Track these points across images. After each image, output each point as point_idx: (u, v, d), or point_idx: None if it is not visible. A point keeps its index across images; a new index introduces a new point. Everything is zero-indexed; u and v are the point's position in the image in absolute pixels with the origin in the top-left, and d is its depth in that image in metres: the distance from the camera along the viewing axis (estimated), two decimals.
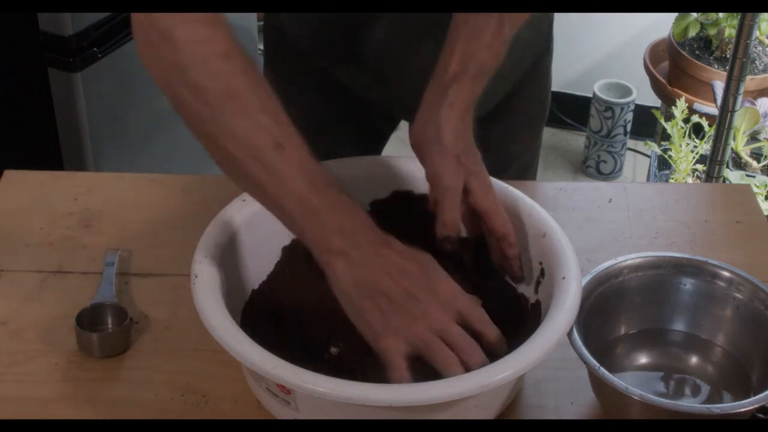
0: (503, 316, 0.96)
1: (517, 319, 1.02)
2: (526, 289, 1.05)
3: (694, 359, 1.06)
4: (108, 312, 1.08)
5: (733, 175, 2.24)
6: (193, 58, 0.92)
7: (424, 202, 1.06)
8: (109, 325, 1.08)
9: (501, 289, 1.06)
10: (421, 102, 1.03)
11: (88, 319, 1.07)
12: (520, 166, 1.38)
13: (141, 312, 1.11)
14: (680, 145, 2.35)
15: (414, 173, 1.10)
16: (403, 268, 0.91)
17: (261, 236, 1.07)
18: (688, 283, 1.06)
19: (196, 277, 0.99)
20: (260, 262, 1.08)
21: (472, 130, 1.02)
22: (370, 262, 0.90)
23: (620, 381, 0.93)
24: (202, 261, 1.00)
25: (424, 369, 0.91)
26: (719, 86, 2.17)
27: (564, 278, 0.97)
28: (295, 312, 1.05)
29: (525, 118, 1.37)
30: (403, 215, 1.09)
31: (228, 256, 1.03)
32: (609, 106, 2.85)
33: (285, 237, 1.08)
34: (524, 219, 1.05)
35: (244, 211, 1.06)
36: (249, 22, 2.42)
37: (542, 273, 1.02)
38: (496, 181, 1.08)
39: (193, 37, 0.92)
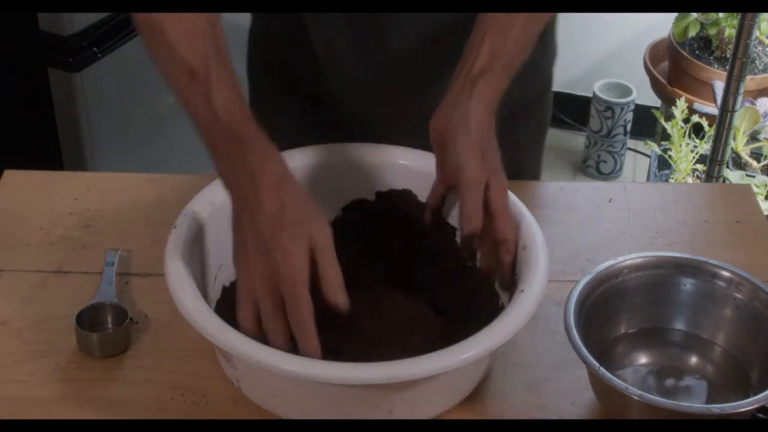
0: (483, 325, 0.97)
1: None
2: (506, 301, 1.05)
3: (694, 359, 1.06)
4: (108, 312, 1.08)
5: (733, 175, 2.24)
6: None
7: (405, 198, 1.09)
8: (109, 325, 1.08)
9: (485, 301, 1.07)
10: (446, 94, 1.01)
11: (88, 319, 1.07)
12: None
13: (141, 312, 1.11)
14: (680, 145, 2.35)
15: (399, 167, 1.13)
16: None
17: None
18: (688, 283, 1.06)
19: (175, 227, 1.01)
20: None
21: (494, 128, 1.00)
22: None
23: (620, 381, 0.93)
24: (187, 213, 1.04)
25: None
26: (719, 86, 2.17)
27: (522, 291, 0.97)
28: None
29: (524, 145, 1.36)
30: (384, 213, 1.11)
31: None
32: (609, 106, 2.85)
33: None
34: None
35: None
36: (247, 22, 2.41)
37: (516, 285, 1.01)
38: None
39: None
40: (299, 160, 1.12)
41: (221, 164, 0.95)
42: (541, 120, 1.37)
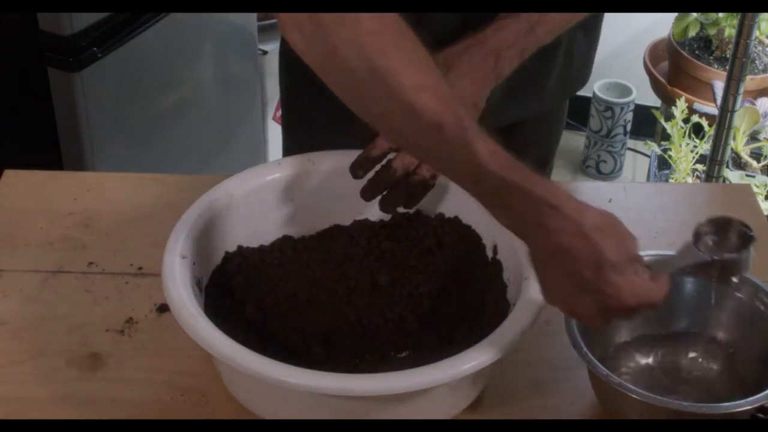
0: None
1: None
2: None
3: (693, 359, 1.06)
4: None
5: (733, 175, 2.24)
6: (343, 38, 0.87)
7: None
8: None
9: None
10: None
11: None
12: None
13: (141, 312, 1.11)
14: (680, 145, 2.36)
15: None
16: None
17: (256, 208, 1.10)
18: (688, 283, 1.06)
19: (175, 230, 1.02)
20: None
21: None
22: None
23: (619, 379, 0.93)
24: (188, 215, 1.04)
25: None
26: (719, 86, 2.17)
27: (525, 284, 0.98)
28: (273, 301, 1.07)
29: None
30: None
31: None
32: (609, 106, 2.85)
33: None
34: (521, 259, 1.02)
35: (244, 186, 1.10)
36: (249, 22, 2.42)
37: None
38: None
39: (341, 18, 0.88)
40: (328, 163, 1.13)
41: (500, 211, 0.90)
42: (554, 129, 1.38)
